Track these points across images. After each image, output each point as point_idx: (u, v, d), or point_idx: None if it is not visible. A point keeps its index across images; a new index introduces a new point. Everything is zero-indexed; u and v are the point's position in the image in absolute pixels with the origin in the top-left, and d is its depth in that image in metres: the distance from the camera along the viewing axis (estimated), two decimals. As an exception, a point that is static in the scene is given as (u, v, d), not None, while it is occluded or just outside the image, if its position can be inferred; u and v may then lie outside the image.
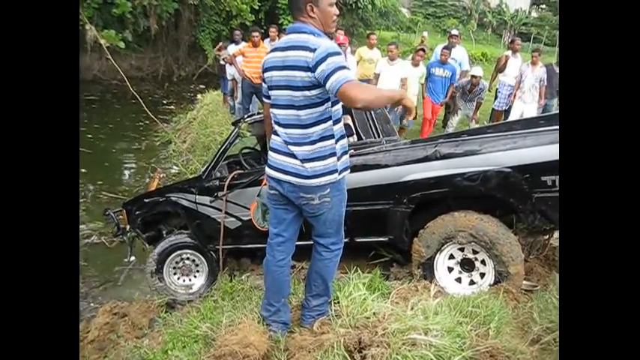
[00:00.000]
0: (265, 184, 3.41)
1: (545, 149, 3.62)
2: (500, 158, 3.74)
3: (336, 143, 2.92)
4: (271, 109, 3.00)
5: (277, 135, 2.98)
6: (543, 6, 47.70)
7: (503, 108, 10.13)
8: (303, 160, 2.86)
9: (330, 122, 2.87)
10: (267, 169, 3.11)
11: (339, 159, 2.95)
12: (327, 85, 2.59)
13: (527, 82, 9.40)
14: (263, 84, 3.08)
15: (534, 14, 46.98)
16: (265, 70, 2.96)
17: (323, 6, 2.82)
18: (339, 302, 3.04)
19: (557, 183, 3.59)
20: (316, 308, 3.36)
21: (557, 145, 3.55)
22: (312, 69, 2.63)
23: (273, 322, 3.36)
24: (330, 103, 2.83)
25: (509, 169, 3.69)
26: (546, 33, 38.97)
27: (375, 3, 20.09)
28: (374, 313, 2.81)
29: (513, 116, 9.11)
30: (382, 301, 3.04)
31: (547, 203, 3.68)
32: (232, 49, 10.47)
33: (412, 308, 2.93)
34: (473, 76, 9.21)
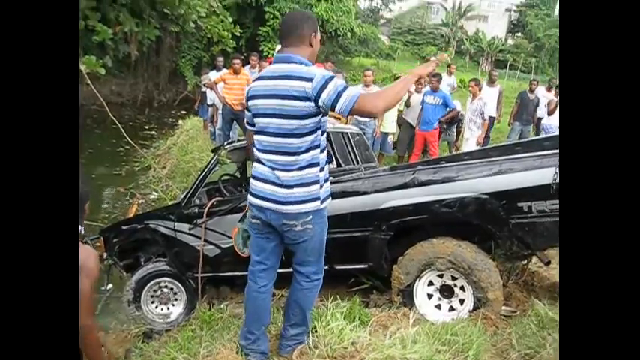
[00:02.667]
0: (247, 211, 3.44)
1: (521, 176, 3.68)
2: (477, 185, 3.79)
3: (320, 171, 2.95)
4: (257, 136, 3.00)
5: (261, 163, 3.00)
6: (519, 34, 48.83)
7: None
8: (287, 187, 2.88)
9: (318, 150, 2.92)
10: (249, 198, 3.12)
11: (321, 187, 2.98)
12: (337, 108, 2.67)
13: (466, 115, 9.40)
14: (246, 111, 3.11)
15: (510, 41, 48.08)
16: (251, 98, 2.98)
17: (317, 37, 2.98)
18: (317, 332, 3.02)
19: (533, 209, 3.64)
20: (294, 337, 3.34)
21: (533, 172, 3.63)
22: (313, 99, 2.70)
23: (252, 352, 3.32)
24: (320, 132, 2.90)
25: (486, 196, 3.74)
26: (522, 60, 39.81)
27: (354, 31, 20.34)
28: (352, 343, 2.80)
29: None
30: (361, 330, 3.02)
31: (524, 229, 3.72)
32: (214, 75, 10.52)
33: (390, 337, 2.92)
34: (450, 110, 9.28)
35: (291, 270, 4.30)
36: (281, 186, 2.90)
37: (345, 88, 2.71)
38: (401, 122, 9.72)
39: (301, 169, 2.89)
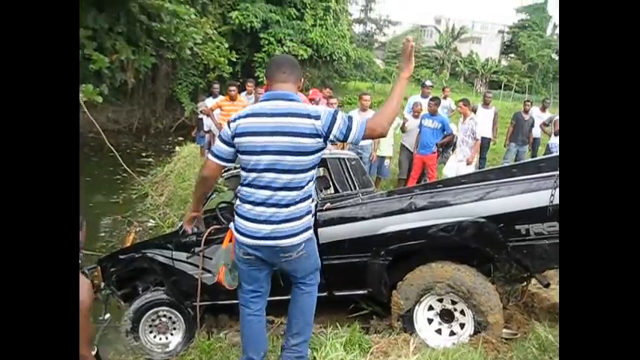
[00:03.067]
0: (225, 246, 3.51)
1: (518, 198, 3.69)
2: (475, 209, 3.80)
3: (312, 202, 3.11)
4: (253, 174, 2.99)
5: (250, 202, 3.03)
6: (512, 55, 49.33)
7: None
8: (286, 221, 2.96)
9: (312, 183, 3.06)
10: (239, 237, 3.15)
11: (312, 216, 3.15)
12: (350, 138, 2.87)
13: (458, 136, 9.30)
14: (220, 144, 3.12)
15: (504, 62, 48.55)
16: (241, 135, 2.97)
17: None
18: None
19: (530, 232, 3.65)
20: (295, 348, 3.35)
21: (530, 194, 3.64)
22: (323, 135, 2.85)
23: None
24: (315, 169, 3.06)
25: (483, 219, 3.74)
26: (516, 80, 40.15)
27: (349, 55, 20.57)
28: (352, 374, 2.78)
29: (447, 174, 8.85)
30: (361, 359, 2.99)
31: (522, 252, 3.72)
32: (210, 102, 10.57)
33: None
34: (446, 135, 9.29)
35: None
36: (279, 222, 2.96)
37: (350, 118, 2.89)
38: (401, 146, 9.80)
39: (301, 202, 3.00)
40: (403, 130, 9.47)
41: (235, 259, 3.38)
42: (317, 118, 2.83)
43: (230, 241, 3.43)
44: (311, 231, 3.12)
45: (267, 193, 2.95)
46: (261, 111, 2.96)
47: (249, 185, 3.02)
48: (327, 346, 3.12)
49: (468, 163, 8.91)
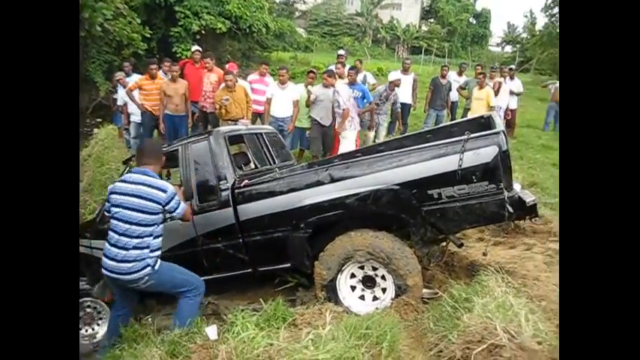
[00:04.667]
0: None
1: (429, 164, 3.79)
2: (389, 176, 3.88)
3: (150, 252, 3.92)
4: (112, 221, 3.94)
5: (112, 244, 3.89)
6: (432, 20, 50.18)
7: None
8: (124, 261, 3.83)
9: (151, 237, 3.91)
10: (103, 271, 3.94)
11: (151, 259, 3.93)
12: (175, 213, 3.98)
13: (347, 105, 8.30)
14: (107, 203, 4.09)
15: (424, 28, 49.31)
16: (114, 192, 3.95)
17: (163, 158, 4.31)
18: (228, 342, 3.00)
19: (442, 195, 3.77)
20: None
21: (440, 160, 3.75)
22: (164, 204, 3.87)
23: None
24: (156, 225, 3.94)
25: (397, 187, 3.83)
26: (436, 45, 40.95)
27: (269, 26, 20.20)
28: (265, 350, 2.80)
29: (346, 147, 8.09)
30: (276, 335, 3.02)
31: (435, 215, 3.85)
32: (131, 81, 10.03)
33: (305, 338, 2.94)
34: (391, 82, 9.32)
35: (214, 277, 4.31)
36: (122, 261, 3.83)
37: (179, 201, 4.01)
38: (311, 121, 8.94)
39: (136, 248, 3.85)
40: (307, 104, 8.55)
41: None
42: (165, 191, 3.88)
43: None
44: (149, 269, 3.88)
45: (116, 237, 3.87)
46: (127, 178, 4.01)
47: (109, 228, 3.99)
48: (238, 326, 3.12)
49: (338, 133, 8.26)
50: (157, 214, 3.90)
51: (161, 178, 5.85)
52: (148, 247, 3.90)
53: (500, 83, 11.40)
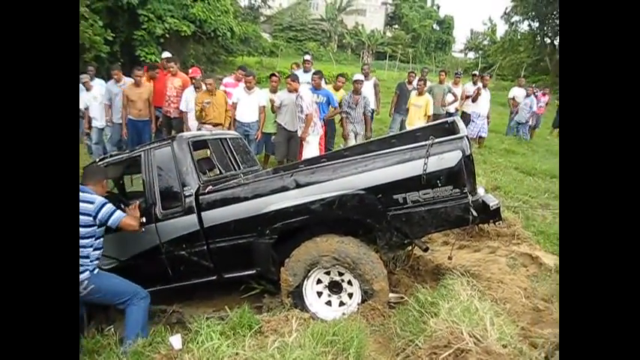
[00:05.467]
0: None
1: (394, 169, 3.80)
2: (354, 181, 3.87)
3: (90, 262, 4.04)
4: None
5: None
6: (396, 26, 50.73)
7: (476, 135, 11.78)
8: None
9: (91, 248, 4.06)
10: None
11: (91, 266, 4.05)
12: (110, 223, 4.08)
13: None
14: None
15: (389, 33, 49.81)
16: None
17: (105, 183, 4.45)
18: (192, 353, 2.94)
19: (407, 200, 3.78)
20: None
21: (405, 164, 3.76)
22: (93, 214, 3.99)
23: None
24: (94, 237, 4.09)
25: (363, 192, 3.83)
26: (400, 50, 41.39)
27: (234, 30, 20.07)
28: (230, 359, 2.76)
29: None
30: (241, 343, 2.98)
31: (401, 219, 3.86)
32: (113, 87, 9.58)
33: (271, 347, 2.91)
34: (355, 81, 9.20)
35: (179, 284, 4.25)
36: None
37: (115, 210, 4.11)
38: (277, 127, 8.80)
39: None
40: (273, 110, 8.54)
41: None
42: (92, 203, 4.01)
43: None
44: (88, 273, 3.97)
45: None
46: None
47: None
48: (202, 336, 3.06)
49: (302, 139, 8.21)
50: (91, 226, 4.03)
51: (123, 187, 5.79)
52: (87, 258, 4.03)
53: (479, 89, 11.67)
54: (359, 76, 9.53)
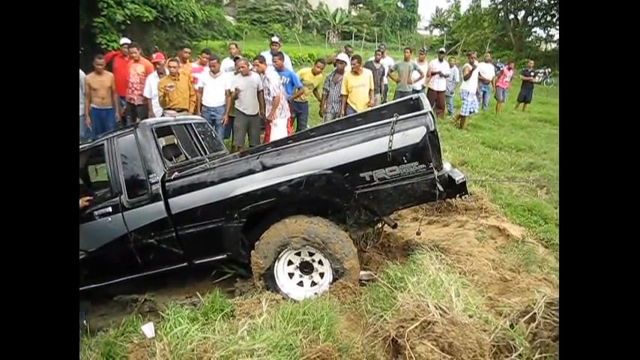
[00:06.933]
0: None
1: (360, 147, 3.81)
2: (321, 161, 3.87)
3: None
4: None
5: None
6: (361, 5, 50.53)
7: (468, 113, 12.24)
8: None
9: None
10: None
11: None
12: None
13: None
14: None
15: (354, 13, 49.60)
16: None
17: None
18: (162, 340, 2.93)
19: (374, 178, 3.80)
20: None
21: (371, 142, 3.77)
22: None
23: None
24: None
25: (329, 171, 3.83)
26: (366, 30, 41.30)
27: (196, 15, 19.71)
28: (200, 344, 2.75)
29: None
30: (211, 327, 2.98)
31: (368, 197, 3.87)
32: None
33: (240, 329, 2.91)
34: (338, 61, 9.22)
35: (149, 273, 4.22)
36: None
37: None
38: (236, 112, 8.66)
39: None
40: (236, 97, 8.33)
41: None
42: None
43: None
44: None
45: None
46: None
47: None
48: (169, 322, 3.05)
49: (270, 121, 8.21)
50: None
51: (87, 178, 5.70)
52: None
53: (473, 67, 11.82)
54: (342, 56, 9.55)
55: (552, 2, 33.79)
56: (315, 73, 9.48)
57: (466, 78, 12.23)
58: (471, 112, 12.46)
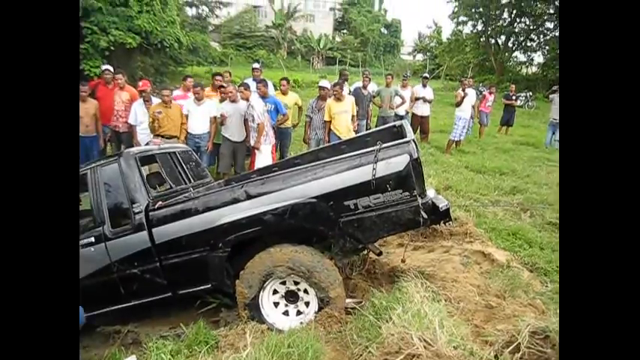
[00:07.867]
0: None
1: (344, 175, 3.82)
2: (305, 190, 3.88)
3: None
4: None
5: None
6: (345, 31, 51.20)
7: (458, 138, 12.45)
8: None
9: None
10: None
11: None
12: None
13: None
14: None
15: (338, 38, 50.21)
16: None
17: None
18: None
19: (359, 205, 3.80)
20: None
21: (355, 170, 3.79)
22: None
23: None
24: None
25: (314, 199, 3.84)
26: (350, 55, 41.79)
27: (181, 41, 19.82)
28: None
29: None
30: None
31: (353, 225, 3.88)
32: None
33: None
34: (320, 88, 9.24)
35: (133, 303, 4.16)
36: None
37: None
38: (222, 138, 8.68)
39: None
40: (222, 123, 8.34)
41: None
42: None
43: None
44: None
45: None
46: None
47: None
48: (152, 358, 3.00)
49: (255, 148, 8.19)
50: None
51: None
52: None
53: (465, 94, 12.00)
54: (324, 83, 9.57)
55: (532, 27, 34.51)
56: (284, 93, 9.53)
57: (458, 104, 12.40)
58: (460, 140, 12.63)
